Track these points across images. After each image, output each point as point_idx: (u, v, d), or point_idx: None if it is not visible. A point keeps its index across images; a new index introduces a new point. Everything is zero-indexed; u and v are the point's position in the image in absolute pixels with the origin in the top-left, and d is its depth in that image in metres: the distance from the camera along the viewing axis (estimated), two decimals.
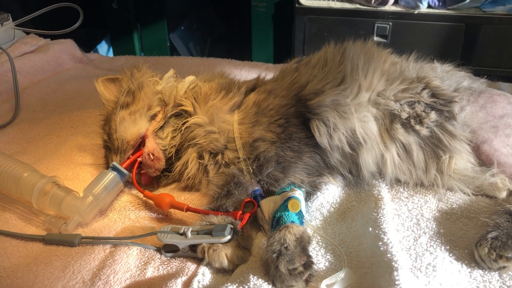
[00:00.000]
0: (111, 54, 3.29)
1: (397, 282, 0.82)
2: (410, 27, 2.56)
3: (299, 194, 0.99)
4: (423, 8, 2.50)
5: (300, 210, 0.96)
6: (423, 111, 1.09)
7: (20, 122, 1.47)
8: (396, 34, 2.59)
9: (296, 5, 2.63)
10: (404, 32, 2.58)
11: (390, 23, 2.57)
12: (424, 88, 1.12)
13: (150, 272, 0.93)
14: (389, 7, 2.55)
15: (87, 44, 3.18)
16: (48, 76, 1.73)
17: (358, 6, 2.59)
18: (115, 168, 1.11)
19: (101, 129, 1.24)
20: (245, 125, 1.12)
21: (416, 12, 2.51)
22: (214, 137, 1.12)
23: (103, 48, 3.36)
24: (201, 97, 1.17)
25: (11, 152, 1.31)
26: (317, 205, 1.08)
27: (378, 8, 2.55)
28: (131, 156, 1.15)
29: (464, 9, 2.50)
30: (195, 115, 1.15)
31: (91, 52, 3.22)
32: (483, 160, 1.09)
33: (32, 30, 1.74)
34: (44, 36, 1.86)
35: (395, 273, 0.84)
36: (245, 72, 1.77)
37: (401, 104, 1.10)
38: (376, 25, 2.59)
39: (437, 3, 2.50)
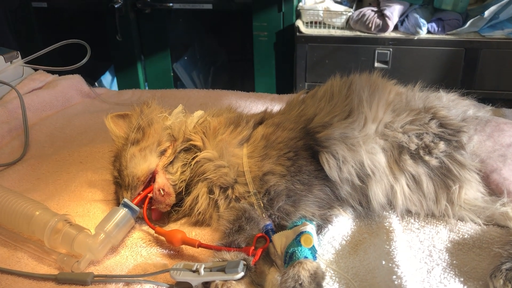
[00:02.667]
0: (115, 84, 3.33)
1: None
2: (410, 53, 2.60)
3: (311, 228, 0.99)
4: (423, 34, 2.54)
5: (313, 245, 0.96)
6: (432, 141, 1.10)
7: (29, 158, 1.48)
8: (397, 60, 2.62)
9: (297, 33, 2.68)
10: (404, 58, 2.61)
11: (391, 49, 2.60)
12: (432, 119, 1.13)
13: None
14: (389, 33, 2.59)
15: (91, 76, 3.23)
16: (56, 111, 1.75)
17: (358, 33, 2.63)
18: (126, 205, 1.11)
19: (111, 166, 1.25)
20: (255, 159, 1.13)
21: (416, 38, 2.55)
22: (224, 171, 1.13)
23: (107, 79, 3.41)
24: (210, 131, 1.19)
25: (22, 189, 1.31)
26: (328, 238, 1.08)
27: (378, 35, 2.59)
28: (141, 192, 1.16)
29: (463, 34, 2.54)
30: (205, 150, 1.16)
31: (96, 83, 3.27)
32: (493, 190, 1.09)
33: (41, 67, 1.77)
34: (52, 72, 1.89)
35: None
36: (250, 103, 1.78)
37: (409, 136, 1.11)
38: (376, 51, 2.62)
39: (436, 28, 2.54)
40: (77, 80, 1.89)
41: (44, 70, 1.88)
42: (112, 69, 3.31)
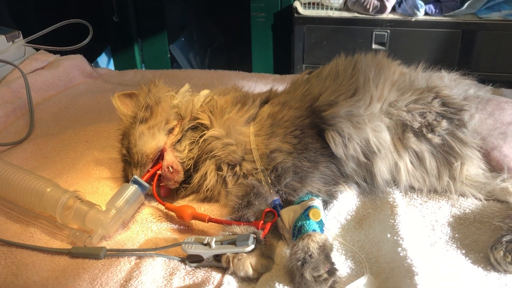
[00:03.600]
0: (111, 65, 3.32)
1: (418, 287, 0.85)
2: (408, 34, 2.62)
3: (318, 203, 1.02)
4: (420, 16, 2.55)
5: (321, 219, 0.99)
6: (435, 120, 1.13)
7: (35, 137, 1.49)
8: (394, 42, 2.64)
9: (295, 14, 2.68)
10: (402, 39, 2.63)
11: (388, 31, 2.62)
12: (434, 98, 1.16)
13: (176, 283, 0.96)
14: (387, 15, 2.60)
15: (88, 57, 3.21)
16: (59, 91, 1.75)
17: (356, 14, 2.64)
18: (136, 182, 1.14)
19: (119, 144, 1.27)
20: (261, 137, 1.16)
21: (413, 20, 2.56)
22: (232, 149, 1.15)
23: (103, 60, 3.39)
24: (217, 110, 1.21)
25: (30, 167, 1.33)
26: (334, 213, 1.11)
27: (376, 16, 2.60)
28: (150, 169, 1.18)
29: (461, 16, 2.56)
30: (212, 128, 1.18)
31: (92, 64, 3.26)
32: (494, 166, 1.13)
33: (43, 47, 1.77)
34: (54, 52, 1.89)
35: (416, 277, 0.87)
36: (252, 84, 1.80)
37: (412, 115, 1.14)
38: (374, 33, 2.64)
39: (433, 10, 2.56)
40: (79, 60, 1.89)
41: (46, 50, 1.87)
42: (109, 50, 3.30)
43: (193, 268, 0.99)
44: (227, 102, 1.22)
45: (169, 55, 3.19)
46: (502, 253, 0.93)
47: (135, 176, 1.14)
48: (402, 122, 1.14)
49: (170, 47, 3.20)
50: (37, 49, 1.88)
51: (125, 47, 3.12)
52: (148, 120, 1.20)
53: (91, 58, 3.24)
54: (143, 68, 3.19)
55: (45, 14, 2.76)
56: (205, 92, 1.29)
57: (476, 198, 1.13)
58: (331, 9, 2.68)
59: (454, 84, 1.24)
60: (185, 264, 1.00)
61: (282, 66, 3.03)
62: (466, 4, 2.49)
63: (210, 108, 1.22)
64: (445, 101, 1.15)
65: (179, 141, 1.21)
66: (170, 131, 1.22)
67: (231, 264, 0.95)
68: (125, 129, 1.25)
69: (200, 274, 0.98)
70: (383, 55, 1.26)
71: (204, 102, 1.25)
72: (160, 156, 1.20)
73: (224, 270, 0.98)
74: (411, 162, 1.13)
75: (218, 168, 1.16)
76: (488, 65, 2.63)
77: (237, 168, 1.15)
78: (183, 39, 3.33)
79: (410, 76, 1.22)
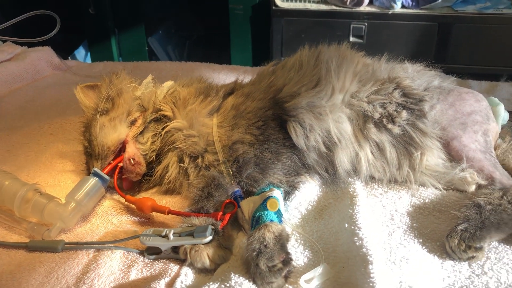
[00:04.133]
0: (88, 59, 3.29)
1: (371, 275, 0.85)
2: (385, 27, 2.62)
3: (277, 193, 1.02)
4: (397, 8, 2.56)
5: (279, 209, 0.99)
6: (395, 110, 1.14)
7: None
8: (371, 34, 2.64)
9: (273, 7, 2.67)
10: (379, 32, 2.63)
11: (366, 24, 2.62)
12: (395, 88, 1.16)
13: (134, 275, 0.95)
14: (364, 8, 2.60)
15: (65, 50, 3.17)
16: (26, 84, 1.73)
17: (333, 7, 2.64)
18: (96, 174, 1.12)
19: (82, 136, 1.25)
20: (224, 128, 1.15)
21: (390, 12, 2.57)
22: (194, 140, 1.14)
23: (80, 53, 3.35)
24: (180, 101, 1.20)
25: None
26: (295, 204, 1.12)
27: (353, 9, 2.60)
28: (112, 161, 1.17)
29: (437, 9, 2.57)
30: (175, 120, 1.17)
31: (69, 58, 3.22)
32: (453, 156, 1.14)
33: (9, 38, 1.74)
34: (21, 44, 1.86)
35: (370, 266, 0.87)
36: (223, 76, 1.79)
37: (373, 105, 1.14)
38: (352, 25, 2.64)
39: (410, 3, 2.56)
40: (47, 52, 1.86)
41: (12, 42, 1.84)
42: (86, 44, 3.26)
43: (151, 260, 0.99)
44: (190, 93, 1.21)
45: (147, 48, 3.16)
46: (456, 241, 0.94)
47: (95, 169, 1.13)
48: (363, 113, 1.14)
49: (148, 40, 3.17)
50: (4, 41, 1.84)
51: (102, 40, 3.08)
52: (109, 111, 1.19)
53: (68, 52, 3.20)
54: (120, 61, 3.16)
55: (15, 6, 2.71)
56: (168, 83, 1.28)
57: (436, 188, 1.14)
58: (309, 2, 2.68)
59: (417, 75, 1.24)
60: (144, 256, 1.00)
61: (260, 58, 3.02)
62: None
63: (173, 99, 1.21)
64: (406, 92, 1.16)
65: (141, 133, 1.20)
66: (132, 123, 1.21)
67: (188, 255, 0.94)
68: (87, 121, 1.24)
69: (158, 266, 0.97)
70: (347, 46, 1.26)
71: (167, 94, 1.24)
72: (122, 148, 1.19)
73: (182, 261, 0.97)
74: (372, 153, 1.14)
75: (180, 160, 1.15)
76: (464, 57, 2.65)
77: (199, 160, 1.14)
78: (161, 31, 3.30)
79: (373, 67, 1.22)
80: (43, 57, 1.83)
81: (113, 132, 1.17)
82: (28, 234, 1.07)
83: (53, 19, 1.65)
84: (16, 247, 1.03)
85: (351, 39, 2.67)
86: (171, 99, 1.22)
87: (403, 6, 2.58)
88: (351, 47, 1.28)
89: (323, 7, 2.65)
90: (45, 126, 1.47)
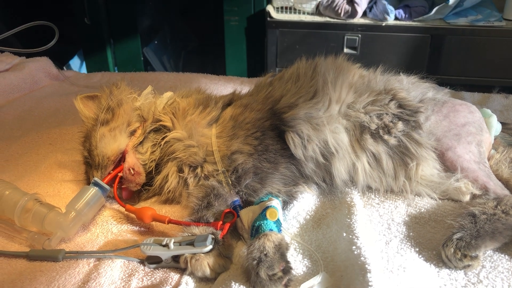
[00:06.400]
0: (84, 69, 3.29)
1: (370, 283, 0.87)
2: (378, 39, 2.66)
3: (276, 203, 1.04)
4: (390, 20, 2.60)
5: (278, 219, 1.00)
6: (391, 121, 1.16)
7: None
8: (365, 46, 2.68)
9: (268, 18, 2.70)
10: (373, 44, 2.67)
11: (359, 35, 2.66)
12: (391, 100, 1.19)
13: (135, 284, 0.96)
14: (358, 19, 2.64)
15: (60, 60, 3.17)
16: (24, 94, 1.73)
17: (328, 19, 2.67)
18: (96, 184, 1.13)
19: (81, 146, 1.26)
20: (223, 139, 1.17)
21: (383, 24, 2.61)
22: (193, 150, 1.16)
23: (75, 63, 3.36)
24: (179, 112, 1.21)
25: None
26: (293, 213, 1.13)
27: (347, 21, 2.64)
28: (112, 171, 1.18)
29: (429, 21, 2.61)
30: (174, 130, 1.19)
31: (64, 67, 3.22)
32: (448, 166, 1.16)
33: (7, 49, 1.75)
34: (19, 54, 1.87)
35: (368, 275, 0.89)
36: (220, 87, 1.81)
37: (370, 116, 1.16)
38: (346, 37, 2.67)
39: (403, 15, 2.60)
40: (45, 63, 1.87)
41: (11, 52, 1.85)
42: (81, 53, 3.27)
43: (152, 269, 1.00)
44: (189, 104, 1.23)
45: (142, 58, 3.17)
46: (452, 250, 0.96)
47: (96, 178, 1.14)
48: (360, 123, 1.16)
49: (144, 50, 3.19)
50: (2, 51, 1.85)
51: (97, 50, 3.09)
52: (109, 122, 1.20)
53: (63, 61, 3.21)
54: (116, 71, 3.17)
55: (13, 16, 2.72)
56: (168, 94, 1.30)
57: (431, 198, 1.16)
58: (304, 13, 2.71)
59: (412, 87, 1.27)
60: (144, 265, 1.00)
61: (255, 69, 3.05)
62: (434, 10, 2.55)
63: (173, 110, 1.23)
64: (402, 103, 1.18)
65: (141, 143, 1.21)
66: (132, 133, 1.22)
67: (189, 264, 0.95)
68: (87, 131, 1.25)
69: (159, 275, 0.98)
70: (343, 58, 1.28)
71: (167, 104, 1.26)
72: (121, 158, 1.20)
73: (182, 270, 0.98)
74: (368, 163, 1.16)
75: (180, 170, 1.17)
76: (456, 69, 2.69)
77: (199, 170, 1.16)
78: (156, 41, 3.32)
79: (369, 78, 1.24)
80: (41, 67, 1.84)
81: (113, 142, 1.18)
82: (29, 243, 1.07)
83: (50, 30, 1.66)
84: (17, 256, 1.03)
85: (345, 50, 2.70)
86: (170, 109, 1.23)
87: (396, 18, 2.62)
88: (342, 56, 1.31)
89: (317, 18, 2.69)
90: (44, 136, 1.48)
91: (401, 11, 2.61)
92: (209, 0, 3.20)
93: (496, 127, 1.27)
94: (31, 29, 1.65)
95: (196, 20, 3.38)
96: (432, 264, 0.98)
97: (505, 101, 1.64)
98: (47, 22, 1.65)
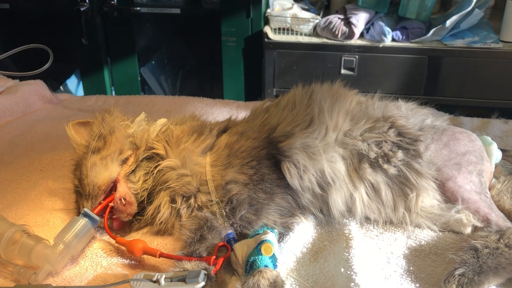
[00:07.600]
0: (80, 88, 3.28)
1: None
2: (376, 60, 2.65)
3: (272, 236, 1.00)
4: (388, 42, 2.59)
5: (274, 253, 0.97)
6: (390, 150, 1.13)
7: None
8: (362, 67, 2.67)
9: (265, 39, 2.69)
10: (370, 65, 2.66)
11: (357, 56, 2.65)
12: (390, 127, 1.16)
13: None
14: (355, 41, 2.64)
15: (57, 79, 3.16)
16: (17, 117, 1.71)
17: (325, 40, 2.67)
18: (86, 215, 1.10)
19: (72, 174, 1.23)
20: (218, 167, 1.14)
21: (381, 46, 2.60)
22: (187, 180, 1.13)
23: (72, 83, 3.34)
24: (173, 140, 1.18)
25: None
26: (290, 245, 1.09)
27: (344, 42, 2.63)
28: (102, 201, 1.14)
29: (426, 42, 2.61)
30: (167, 158, 1.16)
31: (61, 87, 3.21)
32: (448, 197, 1.13)
33: (1, 72, 1.72)
34: (13, 77, 1.85)
35: None
36: (216, 111, 1.79)
37: (368, 144, 1.14)
38: (343, 58, 2.67)
39: (400, 36, 2.60)
40: (38, 86, 1.85)
41: (4, 75, 1.83)
42: (78, 73, 3.26)
43: None
44: (183, 132, 1.20)
45: (139, 78, 3.16)
46: (454, 286, 0.93)
47: (85, 209, 1.10)
48: (358, 151, 1.13)
49: (141, 70, 3.18)
50: None
51: (95, 70, 3.08)
52: (101, 150, 1.17)
53: (60, 81, 3.20)
54: (113, 92, 3.16)
55: (10, 38, 2.71)
56: (161, 121, 1.27)
57: (432, 230, 1.13)
58: (301, 34, 2.71)
59: (411, 114, 1.25)
60: None
61: (253, 89, 3.03)
62: (431, 31, 2.55)
63: (166, 137, 1.20)
64: (401, 131, 1.16)
65: (133, 171, 1.18)
66: (124, 161, 1.19)
67: None
68: (78, 159, 1.22)
69: None
70: (340, 84, 1.26)
71: (160, 132, 1.23)
72: (113, 187, 1.17)
73: None
74: (367, 194, 1.12)
75: (172, 200, 1.13)
76: (453, 90, 2.68)
77: (192, 200, 1.12)
78: (154, 62, 3.32)
79: (366, 105, 1.22)
80: (35, 90, 1.82)
81: (104, 171, 1.15)
82: (14, 278, 1.03)
83: (45, 51, 1.64)
84: None
85: (342, 71, 2.70)
86: (164, 137, 1.21)
87: (393, 40, 2.62)
88: (343, 80, 1.29)
89: (314, 40, 2.68)
90: (35, 162, 1.45)
91: (398, 32, 2.60)
92: (206, 21, 3.20)
93: (497, 155, 1.25)
94: (26, 51, 1.63)
95: (194, 40, 3.38)
96: None
97: (505, 127, 1.61)
98: (42, 45, 1.63)
